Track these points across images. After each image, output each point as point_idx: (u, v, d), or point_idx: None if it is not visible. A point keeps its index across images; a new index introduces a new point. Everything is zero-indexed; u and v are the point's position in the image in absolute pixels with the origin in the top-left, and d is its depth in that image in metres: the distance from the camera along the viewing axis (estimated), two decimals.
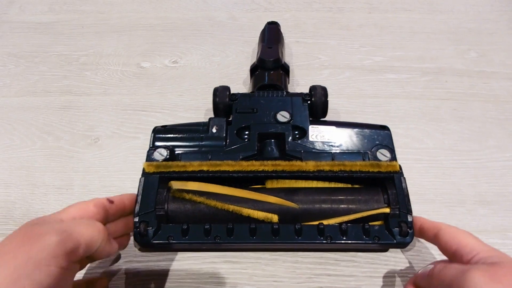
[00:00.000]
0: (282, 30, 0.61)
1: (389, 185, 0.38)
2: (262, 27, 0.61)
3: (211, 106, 0.57)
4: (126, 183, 0.49)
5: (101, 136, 0.54)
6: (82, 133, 0.54)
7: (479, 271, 0.28)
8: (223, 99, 0.45)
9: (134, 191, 0.48)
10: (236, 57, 0.64)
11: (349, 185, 0.40)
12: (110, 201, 0.35)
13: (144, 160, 0.51)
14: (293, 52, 0.65)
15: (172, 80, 0.61)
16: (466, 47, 0.65)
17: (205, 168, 0.39)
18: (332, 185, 0.40)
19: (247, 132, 0.43)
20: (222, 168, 0.39)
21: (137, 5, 0.74)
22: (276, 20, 0.63)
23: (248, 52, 0.65)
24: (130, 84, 0.60)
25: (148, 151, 0.41)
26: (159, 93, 0.59)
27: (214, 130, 0.43)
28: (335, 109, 0.56)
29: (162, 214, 0.37)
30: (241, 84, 0.60)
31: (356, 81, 0.60)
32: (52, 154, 0.52)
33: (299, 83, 0.60)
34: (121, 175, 0.49)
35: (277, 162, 0.39)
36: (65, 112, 0.57)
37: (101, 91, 0.59)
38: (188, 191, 0.38)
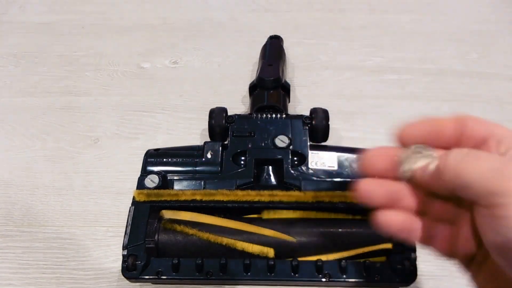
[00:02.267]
0: (282, 30, 0.61)
1: None
2: (263, 28, 0.61)
3: (211, 106, 0.57)
4: (126, 183, 0.48)
5: (101, 137, 0.53)
6: (82, 133, 0.54)
7: None
8: (219, 121, 0.43)
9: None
10: (237, 58, 0.64)
11: (350, 216, 0.38)
12: None
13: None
14: (293, 53, 0.65)
15: (172, 80, 0.61)
16: (467, 48, 0.65)
17: (198, 198, 0.37)
18: (332, 215, 0.38)
19: (243, 158, 0.41)
20: (217, 198, 0.37)
21: (137, 6, 0.74)
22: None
23: (248, 52, 0.65)
24: (130, 85, 0.60)
25: (139, 177, 0.39)
26: (159, 93, 0.59)
27: (209, 156, 0.41)
28: (336, 110, 0.56)
29: (152, 247, 0.35)
30: (241, 85, 0.60)
31: (357, 81, 0.60)
32: (52, 155, 0.52)
33: (299, 84, 0.60)
34: (121, 176, 0.49)
35: (274, 192, 0.38)
36: (65, 112, 0.57)
37: (101, 92, 0.59)
38: (179, 222, 0.37)
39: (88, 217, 0.46)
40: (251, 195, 0.37)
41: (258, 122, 0.43)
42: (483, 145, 0.22)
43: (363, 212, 0.37)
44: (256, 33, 0.67)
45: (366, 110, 0.56)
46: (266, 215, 0.38)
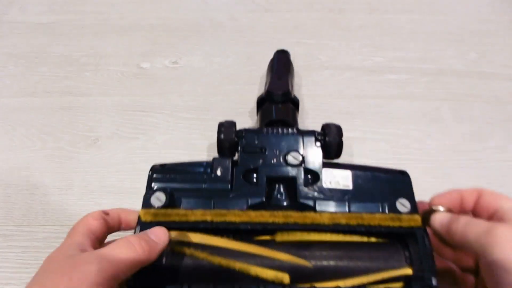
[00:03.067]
0: (282, 30, 0.61)
1: (411, 242, 0.35)
2: (263, 28, 0.61)
3: (211, 106, 0.57)
4: (126, 183, 0.49)
5: (101, 137, 0.54)
6: (82, 133, 0.54)
7: (509, 225, 0.27)
8: (229, 136, 0.41)
9: (134, 191, 0.48)
10: (237, 58, 0.64)
11: (365, 238, 0.37)
12: (106, 213, 0.35)
13: (144, 160, 0.51)
14: (293, 53, 0.65)
15: (172, 80, 0.61)
16: (467, 48, 0.65)
17: (208, 218, 0.35)
18: (347, 238, 0.36)
19: (254, 175, 0.39)
20: (228, 219, 0.35)
21: (137, 6, 0.74)
22: (284, 47, 0.59)
23: (248, 52, 0.65)
24: (130, 85, 0.60)
25: (144, 195, 0.37)
26: (159, 93, 0.59)
27: (218, 173, 0.39)
28: (335, 110, 0.56)
29: (160, 272, 0.34)
30: (241, 85, 0.60)
31: (357, 81, 0.60)
32: (52, 154, 0.52)
33: (300, 84, 0.60)
34: (120, 176, 0.49)
35: (289, 213, 0.36)
36: (65, 112, 0.57)
37: (101, 92, 0.59)
38: (189, 244, 0.34)
39: None
40: (265, 216, 0.36)
41: (269, 137, 0.41)
42: (494, 216, 0.31)
43: (380, 235, 0.36)
44: (256, 33, 0.68)
45: (366, 110, 0.56)
46: (280, 237, 0.36)
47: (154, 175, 0.39)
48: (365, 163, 0.50)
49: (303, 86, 0.60)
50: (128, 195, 0.47)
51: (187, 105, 0.57)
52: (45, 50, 0.66)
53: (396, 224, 0.35)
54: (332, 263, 0.34)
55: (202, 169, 0.39)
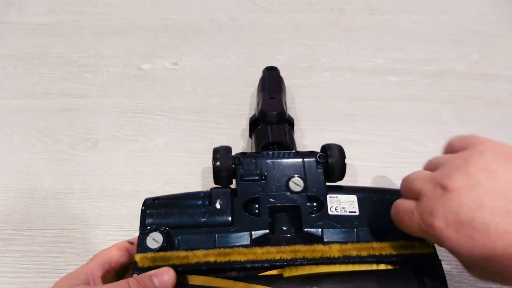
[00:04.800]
0: (282, 31, 0.61)
1: (424, 271, 0.33)
2: (263, 29, 0.61)
3: (211, 108, 0.57)
4: (126, 186, 0.48)
5: (100, 139, 0.53)
6: (82, 136, 0.54)
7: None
8: (225, 164, 0.38)
9: (134, 194, 0.48)
10: (237, 59, 0.64)
11: (375, 266, 0.35)
12: (131, 243, 0.34)
13: (144, 162, 0.51)
14: (294, 54, 0.64)
15: (172, 82, 0.61)
16: (468, 50, 0.65)
17: (211, 259, 0.33)
18: (357, 267, 0.35)
19: (256, 205, 0.37)
20: (233, 258, 0.33)
21: (137, 7, 0.74)
22: (275, 65, 0.57)
23: (248, 53, 0.64)
24: (130, 86, 0.60)
25: (139, 236, 0.34)
26: (160, 95, 0.59)
27: (218, 206, 0.36)
28: (336, 112, 0.56)
29: None
30: (242, 86, 0.59)
31: (357, 83, 0.60)
32: (51, 157, 0.51)
33: (300, 86, 0.59)
34: (121, 178, 0.49)
35: (297, 247, 0.34)
36: (65, 114, 0.56)
37: (101, 93, 0.59)
38: None
39: (88, 220, 0.45)
40: (272, 253, 0.33)
41: (268, 162, 0.39)
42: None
43: (391, 262, 0.35)
44: (256, 34, 0.67)
45: (367, 112, 0.56)
46: (288, 272, 0.34)
47: (148, 211, 0.36)
48: (365, 166, 0.50)
49: (303, 87, 0.59)
50: (128, 199, 0.47)
51: (188, 107, 0.57)
52: (45, 51, 0.66)
53: (408, 252, 0.34)
54: None
55: (199, 202, 0.37)
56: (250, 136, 0.48)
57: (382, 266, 0.34)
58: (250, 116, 0.48)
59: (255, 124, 0.47)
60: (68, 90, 0.60)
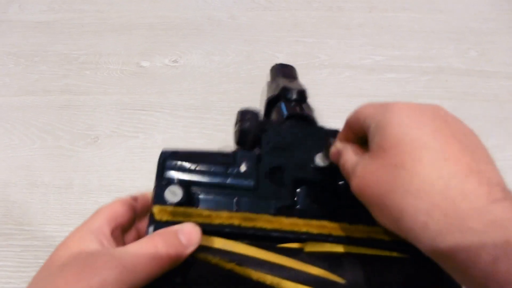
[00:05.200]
0: (281, 29, 0.61)
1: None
2: (262, 26, 0.61)
3: (210, 105, 0.57)
4: (126, 182, 0.49)
5: (100, 136, 0.54)
6: (82, 132, 0.54)
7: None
8: (254, 127, 0.36)
9: (133, 190, 0.48)
10: (236, 56, 0.64)
11: (395, 253, 0.33)
12: (134, 199, 0.32)
13: (143, 159, 0.51)
14: (292, 52, 0.65)
15: (171, 79, 0.61)
16: (466, 46, 0.65)
17: (236, 222, 0.31)
18: (378, 252, 0.33)
19: (280, 175, 0.35)
20: (258, 225, 0.31)
21: (136, 4, 0.74)
22: (273, 62, 0.57)
23: (247, 51, 0.65)
24: (129, 83, 0.60)
25: (156, 187, 0.31)
26: (159, 92, 0.59)
27: (243, 168, 0.33)
28: (335, 109, 0.56)
29: (179, 284, 0.28)
30: (241, 83, 0.60)
31: (356, 80, 0.60)
32: (51, 153, 0.52)
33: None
34: (120, 174, 0.49)
35: (323, 223, 0.32)
36: (65, 111, 0.57)
37: (100, 91, 0.59)
38: (214, 252, 0.29)
39: (88, 215, 0.45)
40: (299, 225, 0.32)
41: (295, 132, 0.36)
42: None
43: (403, 249, 0.33)
44: (255, 31, 0.67)
45: None
46: (310, 247, 0.32)
47: (167, 163, 0.33)
48: None
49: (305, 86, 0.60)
50: (128, 194, 0.47)
51: (187, 104, 0.57)
52: (45, 49, 0.66)
53: None
54: (367, 279, 0.31)
55: (223, 161, 0.33)
56: (267, 116, 0.46)
57: (394, 254, 0.32)
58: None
59: (274, 102, 0.44)
60: (68, 87, 0.60)
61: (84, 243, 0.26)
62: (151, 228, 0.29)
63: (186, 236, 0.27)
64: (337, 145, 0.31)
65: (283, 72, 0.54)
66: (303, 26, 0.69)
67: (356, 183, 0.26)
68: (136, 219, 0.32)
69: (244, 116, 0.37)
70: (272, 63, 0.57)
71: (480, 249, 0.20)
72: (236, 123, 0.36)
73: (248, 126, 0.36)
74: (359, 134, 0.29)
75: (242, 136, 0.36)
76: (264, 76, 0.59)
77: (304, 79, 0.60)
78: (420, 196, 0.22)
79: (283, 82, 0.48)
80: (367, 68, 0.62)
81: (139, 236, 0.32)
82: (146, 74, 0.62)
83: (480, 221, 0.20)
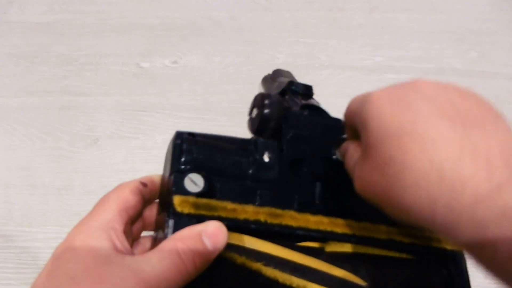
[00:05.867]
0: (281, 29, 0.61)
1: (451, 265, 0.31)
2: (262, 27, 0.61)
3: (210, 106, 0.57)
4: None
5: (100, 137, 0.54)
6: (82, 133, 0.54)
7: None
8: (277, 114, 0.33)
9: None
10: (236, 57, 0.64)
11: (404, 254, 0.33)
12: (144, 184, 0.28)
13: (143, 160, 0.51)
14: (293, 52, 0.65)
15: (172, 80, 0.61)
16: (467, 47, 0.65)
17: (262, 218, 0.28)
18: (397, 254, 0.32)
19: (302, 167, 0.32)
20: (285, 222, 0.29)
21: (136, 5, 0.74)
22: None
23: (248, 51, 0.65)
24: (130, 84, 0.60)
25: (174, 174, 0.27)
26: (159, 93, 0.59)
27: (266, 159, 0.31)
28: (336, 110, 0.56)
29: (203, 283, 0.26)
30: (240, 84, 0.60)
31: (356, 81, 0.60)
32: (51, 154, 0.52)
33: None
34: (121, 175, 0.49)
35: (349, 222, 0.31)
36: (65, 112, 0.57)
37: (101, 91, 0.59)
38: (240, 250, 0.27)
39: None
40: (324, 224, 0.30)
41: (314, 124, 0.34)
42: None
43: (413, 252, 0.32)
44: (255, 32, 0.67)
45: None
46: (332, 247, 0.31)
47: (185, 146, 0.29)
48: None
49: None
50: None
51: (187, 105, 0.57)
52: (45, 50, 0.66)
53: (448, 246, 0.31)
54: (386, 282, 0.30)
55: (246, 150, 0.30)
56: None
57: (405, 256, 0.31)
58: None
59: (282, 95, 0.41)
60: (68, 88, 0.60)
61: (93, 245, 0.23)
62: (171, 222, 0.25)
63: (212, 238, 0.23)
64: (344, 143, 0.29)
65: (282, 74, 0.53)
66: (304, 27, 0.69)
67: (357, 185, 0.25)
68: (146, 206, 0.29)
69: (264, 100, 0.33)
70: (273, 64, 0.57)
71: (496, 244, 0.18)
72: (252, 109, 0.33)
73: (270, 112, 0.32)
74: (355, 131, 0.26)
75: (263, 123, 0.32)
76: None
77: (305, 79, 0.60)
78: (419, 191, 0.20)
79: (285, 79, 0.47)
80: (368, 68, 0.62)
81: (144, 226, 0.29)
82: (146, 75, 0.62)
83: (490, 212, 0.18)
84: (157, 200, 0.30)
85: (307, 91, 0.40)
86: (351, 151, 0.27)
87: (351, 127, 0.27)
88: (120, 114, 0.56)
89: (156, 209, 0.29)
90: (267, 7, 0.73)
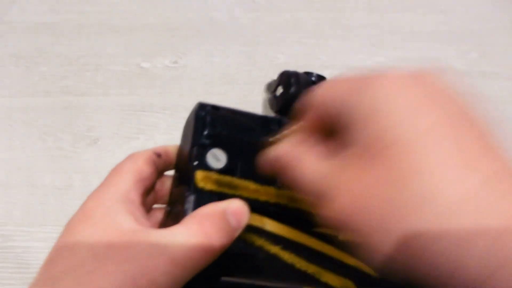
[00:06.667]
0: (282, 30, 0.61)
1: None
2: (263, 27, 0.61)
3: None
4: None
5: (101, 137, 0.54)
6: (82, 133, 0.54)
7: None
8: (300, 93, 0.30)
9: None
10: (237, 57, 0.64)
11: None
12: (158, 154, 0.27)
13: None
14: (293, 53, 0.64)
15: (172, 80, 0.61)
16: (467, 48, 0.65)
17: (283, 201, 0.27)
18: None
19: None
20: (303, 206, 0.27)
21: (137, 6, 0.74)
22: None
23: (248, 52, 0.65)
24: (130, 85, 0.60)
25: (195, 148, 0.25)
26: (160, 93, 0.59)
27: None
28: None
29: (220, 263, 0.25)
30: (241, 84, 0.60)
31: None
32: (52, 155, 0.52)
33: None
34: None
35: None
36: (65, 112, 0.57)
37: (101, 92, 0.59)
38: (261, 233, 0.26)
39: None
40: None
41: None
42: None
43: None
44: (256, 32, 0.67)
45: None
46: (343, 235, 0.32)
47: (209, 118, 0.27)
48: None
49: None
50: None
51: (187, 105, 0.56)
52: (46, 50, 0.66)
53: None
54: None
55: (269, 128, 0.29)
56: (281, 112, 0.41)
57: None
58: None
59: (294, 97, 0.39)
60: (68, 88, 0.60)
61: (113, 218, 0.21)
62: (192, 198, 0.24)
63: (235, 217, 0.22)
64: (280, 148, 0.22)
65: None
66: (304, 27, 0.69)
67: (342, 207, 0.18)
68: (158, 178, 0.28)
69: (289, 79, 0.32)
70: (273, 64, 0.57)
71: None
72: (277, 86, 0.32)
73: (295, 91, 0.31)
74: (324, 126, 0.21)
75: (287, 102, 0.31)
76: (265, 77, 0.59)
77: None
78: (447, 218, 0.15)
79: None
80: (369, 68, 0.62)
81: (156, 199, 0.28)
82: (147, 75, 0.62)
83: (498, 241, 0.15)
84: (167, 172, 0.28)
85: (322, 80, 0.41)
86: (310, 159, 0.20)
87: (317, 119, 0.21)
88: (120, 114, 0.56)
89: (172, 181, 0.28)
90: (267, 8, 0.73)
